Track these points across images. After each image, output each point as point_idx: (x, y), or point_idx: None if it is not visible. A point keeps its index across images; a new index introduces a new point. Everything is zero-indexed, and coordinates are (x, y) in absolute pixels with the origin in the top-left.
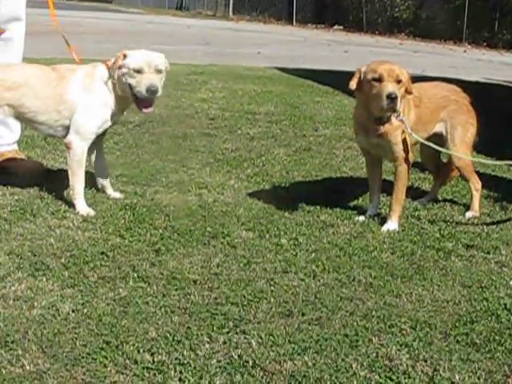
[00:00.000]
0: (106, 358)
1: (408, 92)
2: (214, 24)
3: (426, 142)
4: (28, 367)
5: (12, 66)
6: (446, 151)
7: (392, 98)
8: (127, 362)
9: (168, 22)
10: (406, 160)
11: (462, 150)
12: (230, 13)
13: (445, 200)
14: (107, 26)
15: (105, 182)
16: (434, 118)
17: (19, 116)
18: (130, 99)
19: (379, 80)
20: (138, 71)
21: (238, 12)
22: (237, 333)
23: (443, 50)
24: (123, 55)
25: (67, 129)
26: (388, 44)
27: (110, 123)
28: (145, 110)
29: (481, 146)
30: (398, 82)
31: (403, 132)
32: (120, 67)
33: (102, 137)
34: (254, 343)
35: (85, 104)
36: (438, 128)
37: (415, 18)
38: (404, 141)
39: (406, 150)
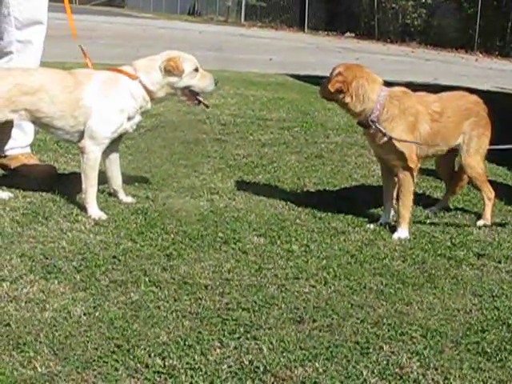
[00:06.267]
0: (118, 361)
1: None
2: (225, 30)
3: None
4: (40, 369)
5: (29, 71)
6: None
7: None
8: (138, 365)
9: (180, 28)
10: (408, 165)
11: (475, 160)
12: (242, 19)
13: (456, 208)
14: (120, 30)
15: (117, 187)
16: (457, 131)
17: (36, 121)
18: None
19: None
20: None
21: (250, 18)
22: (248, 338)
23: (454, 58)
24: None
25: (83, 134)
26: (399, 52)
27: (125, 128)
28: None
29: (493, 155)
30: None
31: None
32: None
33: (118, 141)
34: (264, 349)
35: (99, 109)
36: (459, 140)
37: (427, 27)
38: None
39: (408, 156)
